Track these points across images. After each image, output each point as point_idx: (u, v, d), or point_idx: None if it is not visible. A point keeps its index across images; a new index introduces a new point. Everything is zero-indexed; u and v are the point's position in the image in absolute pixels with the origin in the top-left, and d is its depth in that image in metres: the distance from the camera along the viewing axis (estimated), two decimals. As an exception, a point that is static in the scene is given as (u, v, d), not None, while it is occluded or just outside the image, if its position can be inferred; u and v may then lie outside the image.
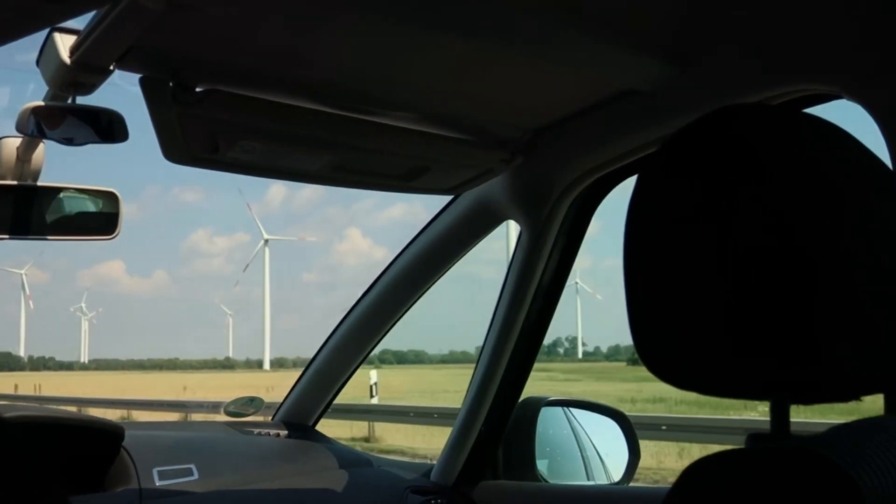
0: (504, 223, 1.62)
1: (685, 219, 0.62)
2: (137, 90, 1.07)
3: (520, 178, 1.50)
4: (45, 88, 1.11)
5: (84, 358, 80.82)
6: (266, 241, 52.97)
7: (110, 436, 1.44)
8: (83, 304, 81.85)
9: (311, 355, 1.84)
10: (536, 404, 1.69)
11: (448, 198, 1.64)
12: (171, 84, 1.06)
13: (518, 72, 1.16)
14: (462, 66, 1.13)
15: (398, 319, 1.74)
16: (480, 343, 1.65)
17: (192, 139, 1.16)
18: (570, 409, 1.78)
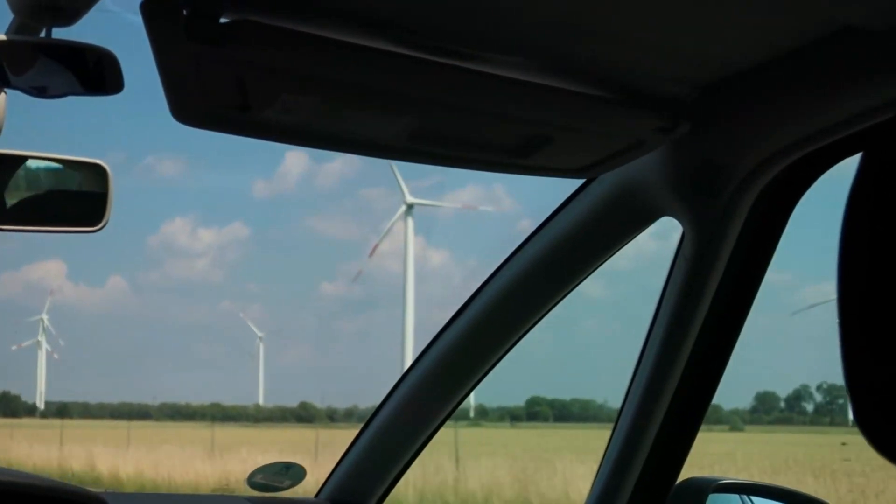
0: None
1: None
2: (137, 20, 1.04)
3: (683, 156, 1.49)
4: (8, 16, 1.12)
5: (40, 402, 76.38)
6: (409, 206, 47.27)
7: None
8: (44, 318, 75.24)
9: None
10: (702, 488, 1.67)
11: (575, 184, 1.63)
12: (184, 12, 1.04)
13: None
14: None
15: (503, 356, 1.76)
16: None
17: (213, 92, 1.14)
18: (753, 497, 1.76)
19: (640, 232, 1.61)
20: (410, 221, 45.85)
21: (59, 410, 72.33)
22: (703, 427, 1.67)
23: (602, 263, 1.66)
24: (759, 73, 1.33)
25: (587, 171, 1.51)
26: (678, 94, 1.39)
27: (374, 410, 1.85)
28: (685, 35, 1.23)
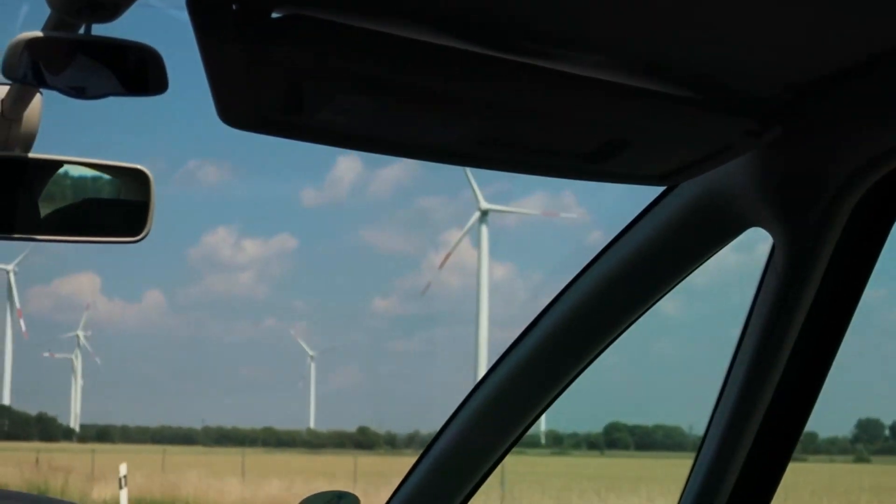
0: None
1: None
2: (182, 16, 1.02)
3: (773, 163, 1.44)
4: (45, 12, 1.09)
5: (75, 423, 73.92)
6: (483, 212, 45.79)
7: None
8: (80, 334, 72.41)
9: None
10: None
11: (654, 192, 1.60)
12: (234, 7, 1.00)
13: None
14: None
15: (575, 377, 1.74)
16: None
17: (264, 92, 1.11)
18: None
19: (726, 244, 1.57)
20: (485, 229, 44.77)
21: (100, 434, 69.68)
22: (798, 457, 1.63)
23: (684, 278, 1.63)
24: (857, 73, 1.29)
25: (668, 178, 1.46)
26: (769, 95, 1.34)
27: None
28: (780, 31, 1.19)
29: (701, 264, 1.62)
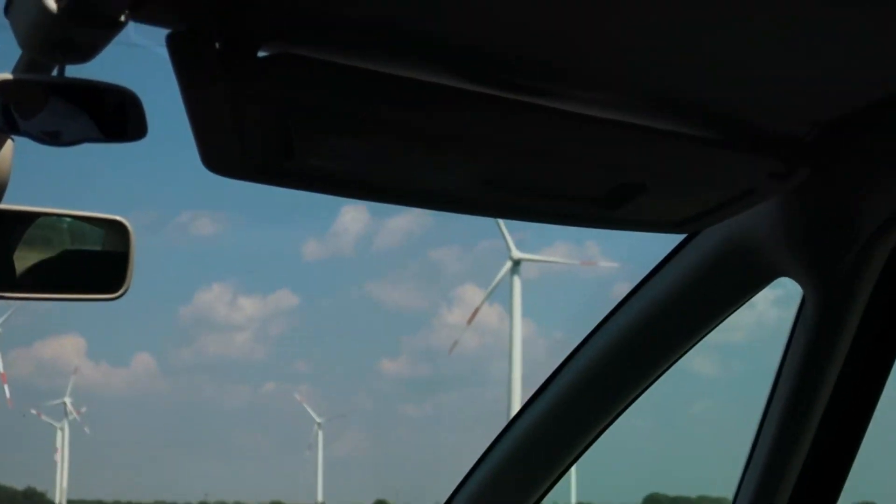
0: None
1: None
2: (163, 54, 1.01)
3: (801, 206, 1.43)
4: (16, 53, 1.08)
5: (62, 497, 68.69)
6: (515, 262, 43.87)
7: None
8: (66, 401, 66.35)
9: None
10: None
11: (674, 240, 1.58)
12: (217, 44, 1.00)
13: (808, 12, 1.07)
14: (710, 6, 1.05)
15: (594, 439, 1.71)
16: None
17: (251, 136, 1.09)
18: None
19: (753, 295, 1.56)
20: (517, 280, 43.33)
21: None
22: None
23: (709, 332, 1.61)
24: (891, 105, 1.26)
25: (688, 224, 1.44)
26: (795, 134, 1.33)
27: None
28: (805, 63, 1.17)
29: (727, 316, 1.59)
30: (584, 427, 1.71)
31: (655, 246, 1.70)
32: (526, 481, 1.78)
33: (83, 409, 68.34)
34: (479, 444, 1.78)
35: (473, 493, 1.78)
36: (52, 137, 1.06)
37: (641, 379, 1.67)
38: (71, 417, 66.06)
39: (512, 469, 1.76)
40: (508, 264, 43.98)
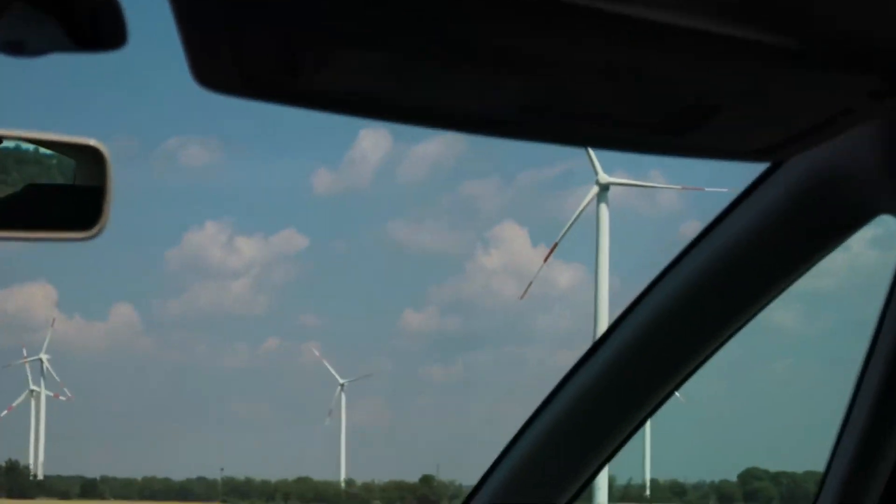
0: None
1: None
2: None
3: None
4: None
5: (38, 470, 61.29)
6: (603, 187, 42.30)
7: None
8: (43, 357, 59.12)
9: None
10: None
11: (757, 169, 1.46)
12: None
13: None
14: None
15: (663, 400, 1.64)
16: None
17: (249, 48, 1.03)
18: None
19: (848, 237, 1.44)
20: (605, 209, 42.28)
21: (84, 489, 60.41)
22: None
23: (797, 279, 1.50)
24: None
25: (772, 152, 1.32)
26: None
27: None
28: None
29: (818, 261, 1.49)
30: (650, 388, 1.64)
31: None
32: (586, 449, 1.71)
33: (45, 356, 60.98)
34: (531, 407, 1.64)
35: (515, 468, 1.74)
36: (17, 48, 1.01)
37: (713, 336, 1.58)
38: (48, 376, 59.05)
39: (565, 439, 1.71)
40: (595, 189, 42.30)
